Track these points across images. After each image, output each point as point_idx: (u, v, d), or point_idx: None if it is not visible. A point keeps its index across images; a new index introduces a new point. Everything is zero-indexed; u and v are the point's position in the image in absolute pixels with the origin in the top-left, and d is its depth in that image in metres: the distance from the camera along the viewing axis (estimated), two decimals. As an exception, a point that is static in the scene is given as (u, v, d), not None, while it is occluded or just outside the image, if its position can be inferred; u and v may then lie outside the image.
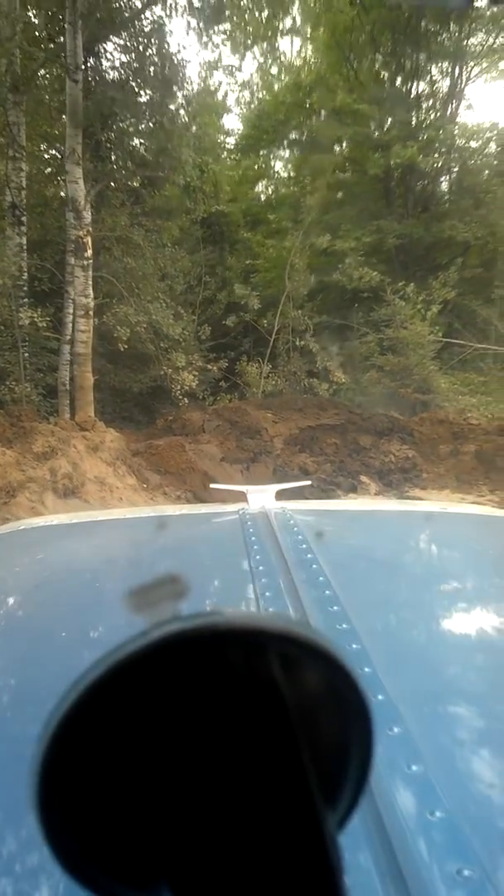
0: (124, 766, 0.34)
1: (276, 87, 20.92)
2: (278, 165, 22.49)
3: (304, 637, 0.36)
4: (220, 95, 20.39)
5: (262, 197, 21.56)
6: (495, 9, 16.28)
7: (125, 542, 1.92)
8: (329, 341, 16.39)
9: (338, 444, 11.88)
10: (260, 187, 22.23)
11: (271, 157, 22.20)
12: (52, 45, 12.58)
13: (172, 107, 13.88)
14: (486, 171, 18.46)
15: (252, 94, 21.41)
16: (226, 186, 19.61)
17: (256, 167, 21.86)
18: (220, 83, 19.42)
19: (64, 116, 12.27)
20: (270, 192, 21.46)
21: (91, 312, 12.06)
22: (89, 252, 11.94)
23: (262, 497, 2.20)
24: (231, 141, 22.12)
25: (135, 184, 14.52)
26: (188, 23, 13.45)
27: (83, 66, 11.79)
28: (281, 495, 2.33)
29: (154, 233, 14.47)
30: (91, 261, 12.00)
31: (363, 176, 19.08)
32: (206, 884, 0.33)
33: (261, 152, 21.66)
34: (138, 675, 0.33)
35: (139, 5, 13.39)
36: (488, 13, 18.12)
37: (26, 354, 12.53)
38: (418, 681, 0.96)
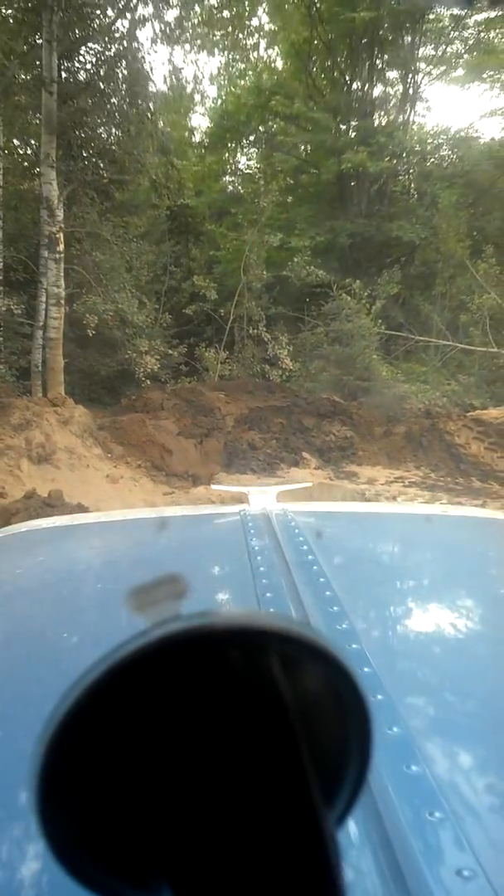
0: (125, 766, 0.34)
1: (241, 82, 21.90)
2: (242, 161, 23.68)
3: (303, 637, 0.36)
4: (186, 90, 21.34)
5: (228, 189, 22.63)
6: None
7: (126, 544, 1.93)
8: (281, 331, 17.77)
9: (283, 423, 13.29)
10: (225, 180, 23.31)
11: (236, 152, 23.37)
12: (27, 56, 13.68)
13: (138, 109, 15.09)
14: (432, 175, 19.91)
15: (218, 90, 22.37)
16: (189, 183, 20.82)
17: (220, 163, 22.96)
18: (186, 79, 20.30)
19: (38, 119, 13.45)
20: (234, 188, 22.58)
21: (62, 301, 13.31)
22: (61, 246, 13.17)
23: (262, 498, 2.21)
24: (196, 136, 23.26)
25: (103, 180, 15.72)
26: (154, 26, 14.48)
27: (57, 78, 12.95)
28: (282, 497, 2.34)
29: (121, 228, 15.73)
30: (63, 254, 13.24)
31: (319, 177, 20.45)
32: (207, 883, 0.33)
33: (227, 147, 22.79)
34: (139, 675, 0.33)
35: (111, 15, 14.57)
36: (439, 25, 19.58)
37: (0, 339, 13.80)
38: (417, 681, 0.96)
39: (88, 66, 14.72)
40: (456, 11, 18.25)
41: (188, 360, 17.81)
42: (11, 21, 13.57)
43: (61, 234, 13.11)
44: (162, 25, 15.30)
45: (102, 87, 14.68)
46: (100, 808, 0.34)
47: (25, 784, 0.33)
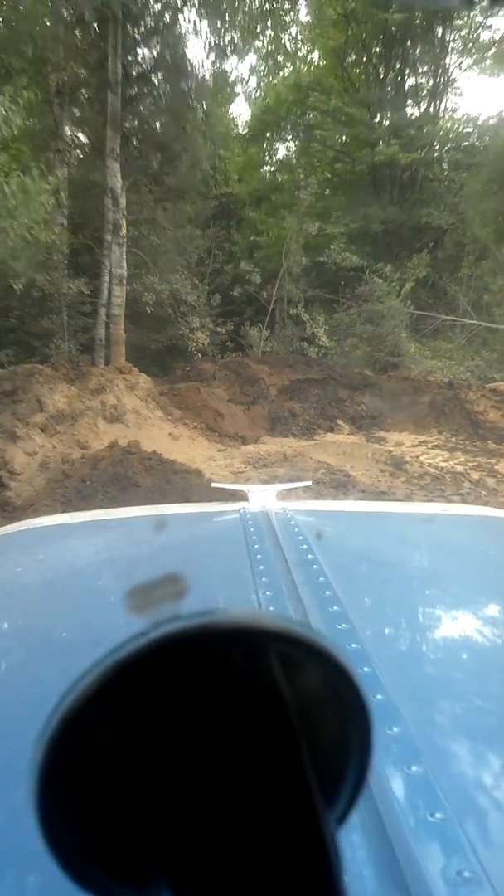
0: (125, 766, 0.34)
1: (281, 78, 23.18)
2: (281, 151, 25.03)
3: (303, 637, 0.36)
4: (231, 86, 22.57)
5: (266, 179, 24.03)
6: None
7: (126, 542, 1.93)
8: (318, 312, 19.26)
9: (320, 394, 14.82)
10: (264, 170, 24.70)
11: (275, 143, 24.73)
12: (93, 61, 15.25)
13: (188, 103, 16.59)
14: (460, 163, 21.15)
15: (259, 85, 23.65)
16: (234, 175, 22.29)
17: (260, 152, 24.35)
18: (228, 72, 21.41)
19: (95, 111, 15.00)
20: (273, 177, 23.97)
21: (124, 281, 14.92)
22: (124, 231, 14.75)
23: (262, 497, 2.21)
24: (238, 128, 24.65)
25: (157, 170, 17.24)
26: (195, 23, 15.91)
27: (120, 80, 14.51)
28: (282, 495, 2.35)
29: (174, 214, 17.31)
30: (125, 238, 14.83)
31: (353, 167, 21.81)
32: (207, 883, 0.33)
33: (266, 138, 24.16)
34: (138, 675, 0.33)
35: (166, 19, 16.02)
36: (470, 15, 20.62)
37: (65, 317, 15.49)
38: (418, 681, 0.95)
39: (144, 64, 16.24)
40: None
41: (233, 336, 19.39)
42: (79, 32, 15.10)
43: (124, 221, 14.69)
44: (209, 26, 16.80)
45: (157, 84, 16.21)
46: (100, 808, 0.35)
47: (25, 784, 0.33)
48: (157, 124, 16.50)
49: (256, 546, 1.44)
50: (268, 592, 1.16)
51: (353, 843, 0.60)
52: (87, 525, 2.16)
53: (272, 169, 24.54)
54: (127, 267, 15.30)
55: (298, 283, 19.57)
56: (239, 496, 2.36)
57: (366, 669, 0.87)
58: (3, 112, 7.53)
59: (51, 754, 0.32)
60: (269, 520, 1.64)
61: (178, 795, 0.33)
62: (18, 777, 0.35)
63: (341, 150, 22.21)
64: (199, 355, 17.28)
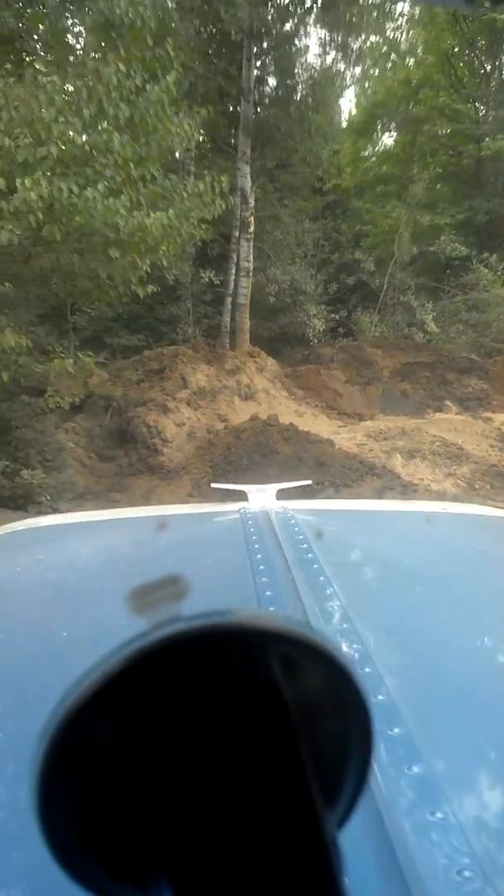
0: (125, 766, 0.34)
1: (392, 71, 24.00)
2: (388, 143, 25.92)
3: (304, 637, 0.36)
4: (344, 81, 23.57)
5: (373, 171, 25.00)
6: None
7: (125, 542, 1.93)
8: (425, 299, 20.29)
9: (429, 376, 15.97)
10: (371, 161, 25.63)
11: (382, 136, 25.66)
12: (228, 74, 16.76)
13: (308, 103, 17.94)
14: None
15: (370, 79, 24.51)
16: (344, 168, 23.46)
17: (368, 146, 25.32)
18: (342, 70, 22.50)
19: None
20: (379, 169, 24.92)
21: (251, 273, 16.44)
22: (252, 227, 16.25)
23: (262, 496, 2.23)
24: (346, 121, 25.69)
25: (278, 168, 18.64)
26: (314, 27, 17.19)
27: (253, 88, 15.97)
28: (281, 495, 2.36)
29: (293, 209, 18.74)
30: (253, 234, 16.32)
31: (459, 160, 22.62)
32: (207, 884, 0.33)
33: (374, 131, 25.09)
34: (139, 676, 0.33)
35: (288, 28, 17.34)
36: None
37: (190, 305, 17.17)
38: (419, 681, 0.96)
39: (270, 71, 17.69)
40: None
41: (343, 322, 20.68)
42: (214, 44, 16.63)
43: (252, 218, 16.18)
44: (328, 30, 18.00)
45: (281, 89, 17.62)
46: (100, 808, 0.35)
47: (25, 784, 0.33)
48: (281, 127, 17.86)
49: (256, 546, 1.43)
50: (268, 592, 1.16)
51: (354, 842, 0.52)
52: (86, 525, 2.19)
53: (377, 161, 25.45)
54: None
55: (404, 271, 20.64)
56: (239, 496, 2.38)
57: (366, 670, 0.86)
58: (188, 130, 9.08)
59: (51, 754, 0.33)
60: (269, 519, 1.64)
61: (178, 795, 0.34)
62: (19, 776, 0.37)
63: (447, 143, 23.01)
64: (315, 341, 18.68)
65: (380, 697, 0.81)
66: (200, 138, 10.38)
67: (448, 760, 0.76)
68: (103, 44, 9.00)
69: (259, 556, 1.36)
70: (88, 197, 7.47)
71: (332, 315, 20.05)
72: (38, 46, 9.06)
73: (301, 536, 1.46)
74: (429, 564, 1.62)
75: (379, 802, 0.64)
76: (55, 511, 9.39)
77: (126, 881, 0.36)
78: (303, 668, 0.36)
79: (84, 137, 7.87)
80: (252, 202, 16.18)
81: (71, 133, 7.67)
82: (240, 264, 16.37)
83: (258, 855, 0.33)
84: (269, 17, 15.94)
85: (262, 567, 1.28)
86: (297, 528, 1.54)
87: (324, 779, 0.35)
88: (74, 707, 0.32)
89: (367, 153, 25.23)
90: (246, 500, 2.14)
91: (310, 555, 1.33)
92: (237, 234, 16.30)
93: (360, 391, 15.18)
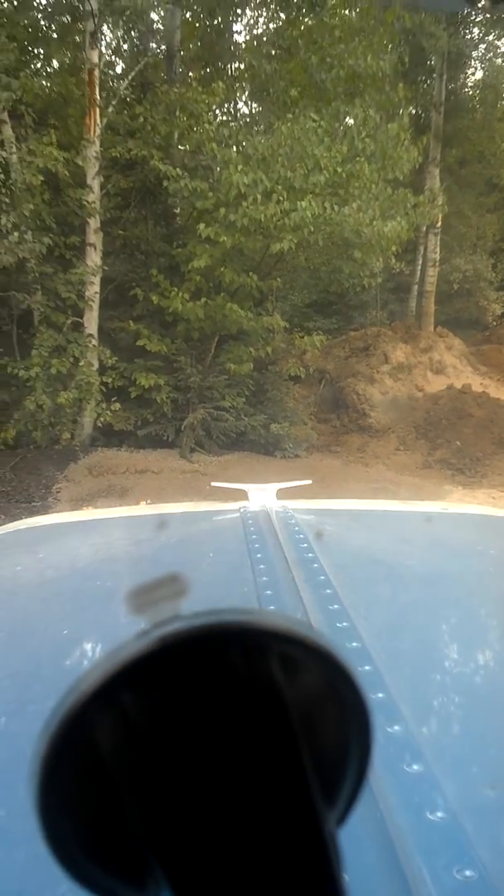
0: (125, 766, 0.34)
1: None
2: None
3: (304, 636, 0.36)
4: None
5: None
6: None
7: (125, 541, 1.94)
8: None
9: None
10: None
11: None
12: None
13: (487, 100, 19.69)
14: None
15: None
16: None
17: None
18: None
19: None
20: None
21: (437, 263, 18.53)
22: (439, 223, 18.30)
23: (262, 496, 2.22)
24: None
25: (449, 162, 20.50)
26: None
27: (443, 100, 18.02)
28: (282, 494, 2.38)
29: (473, 204, 20.56)
30: (440, 228, 18.39)
31: None
32: (207, 883, 0.33)
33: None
34: (140, 675, 0.33)
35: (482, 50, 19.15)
36: None
37: (376, 292, 19.44)
38: (418, 679, 0.96)
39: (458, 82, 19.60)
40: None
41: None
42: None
43: (440, 214, 18.23)
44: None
45: (465, 98, 19.51)
46: (100, 808, 0.35)
47: (25, 783, 0.33)
48: (470, 135, 19.74)
49: (256, 545, 1.43)
50: (268, 591, 1.16)
51: (354, 842, 0.50)
52: (86, 524, 2.18)
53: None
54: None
55: None
56: (239, 495, 2.39)
57: (366, 668, 0.86)
58: (415, 156, 11.48)
59: (52, 753, 0.33)
60: (270, 518, 1.64)
61: (178, 795, 0.33)
62: (19, 776, 0.35)
63: None
64: (494, 324, 20.48)
65: (379, 695, 0.81)
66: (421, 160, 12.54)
67: (448, 759, 0.77)
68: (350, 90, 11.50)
69: (259, 555, 1.37)
70: (345, 213, 10.05)
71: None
72: (297, 94, 11.62)
73: (301, 536, 1.46)
74: (428, 564, 1.62)
75: (379, 800, 0.65)
76: (296, 457, 12.17)
77: (126, 880, 0.36)
78: (302, 667, 0.36)
79: (341, 167, 10.43)
80: (440, 200, 18.22)
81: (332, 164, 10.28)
82: (426, 255, 18.47)
83: (258, 854, 0.33)
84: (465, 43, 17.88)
85: (262, 566, 1.29)
86: (297, 528, 1.54)
87: (323, 778, 0.35)
88: (75, 706, 0.33)
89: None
90: (246, 499, 2.17)
91: (310, 554, 1.33)
92: (425, 228, 18.42)
93: (540, 369, 16.96)
